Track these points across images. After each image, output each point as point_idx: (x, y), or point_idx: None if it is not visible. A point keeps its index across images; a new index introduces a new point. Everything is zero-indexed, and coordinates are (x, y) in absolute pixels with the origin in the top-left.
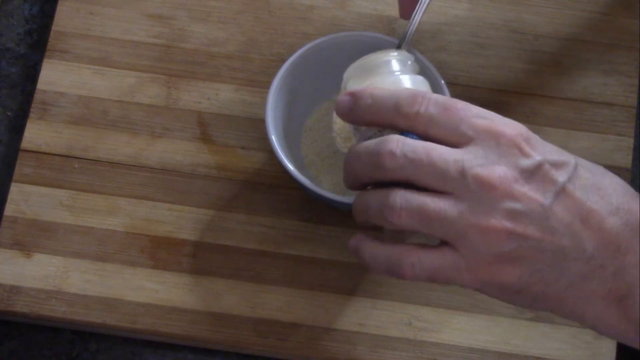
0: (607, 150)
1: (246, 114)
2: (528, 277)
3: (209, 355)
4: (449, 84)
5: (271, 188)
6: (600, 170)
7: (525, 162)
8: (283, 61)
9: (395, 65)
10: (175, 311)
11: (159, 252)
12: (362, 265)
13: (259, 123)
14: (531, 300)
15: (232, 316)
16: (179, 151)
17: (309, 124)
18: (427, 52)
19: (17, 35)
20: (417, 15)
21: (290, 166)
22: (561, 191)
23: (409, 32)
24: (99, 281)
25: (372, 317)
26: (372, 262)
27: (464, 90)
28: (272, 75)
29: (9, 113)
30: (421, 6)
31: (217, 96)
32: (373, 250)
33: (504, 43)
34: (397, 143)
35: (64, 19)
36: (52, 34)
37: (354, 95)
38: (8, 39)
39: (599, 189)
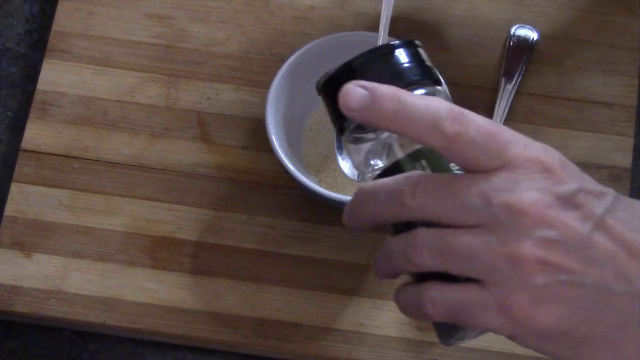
0: (607, 150)
1: (246, 114)
2: (570, 318)
3: (208, 355)
4: (449, 84)
5: (271, 188)
6: None
7: (561, 188)
8: (283, 61)
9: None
10: (175, 311)
11: (159, 252)
12: (405, 314)
13: (259, 123)
14: (577, 346)
15: (232, 316)
16: (179, 151)
17: (309, 124)
18: (427, 52)
19: (17, 35)
20: None
21: (290, 166)
22: (601, 221)
23: None
24: (99, 281)
25: (372, 317)
26: (403, 303)
27: (464, 90)
28: (272, 75)
29: (9, 113)
30: None
31: (217, 96)
32: (404, 291)
33: (504, 43)
34: (418, 178)
35: (64, 19)
36: (52, 34)
37: (372, 91)
38: (8, 39)
39: None
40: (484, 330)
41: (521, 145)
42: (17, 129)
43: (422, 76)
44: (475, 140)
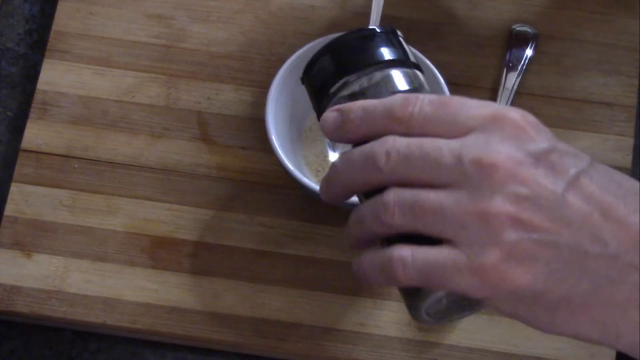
0: (607, 150)
1: (246, 114)
2: (544, 278)
3: (209, 355)
4: (449, 84)
5: (271, 188)
6: (619, 172)
7: (533, 146)
8: (283, 61)
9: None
10: (175, 311)
11: (159, 252)
12: (366, 281)
13: (259, 123)
14: (553, 310)
15: (232, 316)
16: (179, 151)
17: (308, 124)
18: (427, 52)
19: (17, 35)
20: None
21: (290, 166)
22: (575, 181)
23: None
24: (99, 281)
25: (372, 317)
26: (370, 268)
27: (464, 90)
28: (272, 75)
29: (9, 113)
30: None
31: (217, 96)
32: (371, 255)
33: (504, 43)
34: (392, 141)
35: (64, 19)
36: (52, 34)
37: (341, 111)
38: (8, 39)
39: (620, 186)
40: (460, 310)
41: (488, 107)
42: (17, 129)
43: (398, 57)
44: (430, 115)
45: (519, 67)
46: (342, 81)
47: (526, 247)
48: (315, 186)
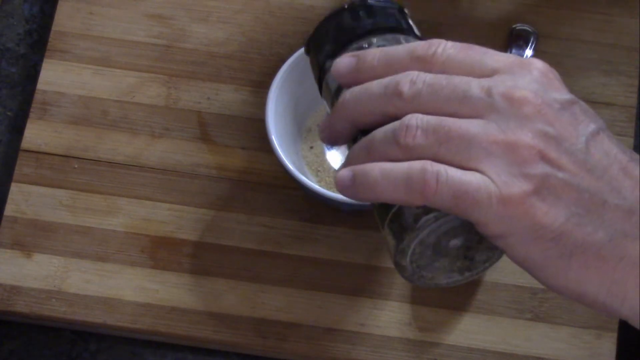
0: None
1: (246, 114)
2: (564, 220)
3: (209, 355)
4: None
5: (271, 188)
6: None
7: (558, 95)
8: (283, 61)
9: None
10: (175, 311)
11: (159, 252)
12: (362, 195)
13: (259, 123)
14: (567, 257)
15: (232, 316)
16: (179, 151)
17: (308, 124)
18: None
19: (17, 35)
20: None
21: (290, 166)
22: (596, 135)
23: None
24: (99, 281)
25: (372, 317)
26: (385, 179)
27: None
28: (272, 75)
29: (9, 113)
30: None
31: (217, 96)
32: (385, 166)
33: (504, 43)
34: (417, 72)
35: (64, 19)
36: (52, 34)
37: (358, 55)
38: (8, 39)
39: (632, 153)
40: (446, 268)
41: (511, 55)
42: (17, 129)
43: (400, 25)
44: (454, 56)
45: None
46: (344, 50)
47: (551, 183)
48: (315, 186)
